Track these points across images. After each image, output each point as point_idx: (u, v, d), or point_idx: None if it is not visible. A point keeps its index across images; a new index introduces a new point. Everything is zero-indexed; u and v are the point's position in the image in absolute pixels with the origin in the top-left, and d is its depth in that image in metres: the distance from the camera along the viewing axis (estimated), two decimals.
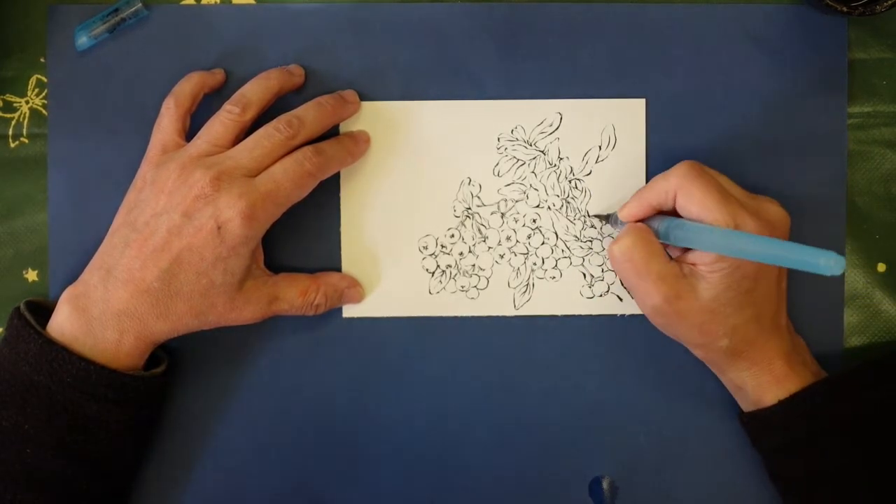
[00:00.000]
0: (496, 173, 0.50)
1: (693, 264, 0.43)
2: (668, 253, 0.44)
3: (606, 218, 0.49)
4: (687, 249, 0.44)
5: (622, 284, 0.49)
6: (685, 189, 0.43)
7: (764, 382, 0.45)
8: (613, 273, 0.50)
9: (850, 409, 0.43)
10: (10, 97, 0.50)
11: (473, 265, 0.50)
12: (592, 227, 0.50)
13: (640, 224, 0.45)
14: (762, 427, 0.46)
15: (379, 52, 0.49)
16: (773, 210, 0.44)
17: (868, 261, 0.50)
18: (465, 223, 0.50)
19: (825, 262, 0.35)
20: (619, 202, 0.49)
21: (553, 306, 0.50)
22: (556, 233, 0.50)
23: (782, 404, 0.44)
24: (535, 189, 0.50)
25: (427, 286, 0.50)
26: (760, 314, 0.44)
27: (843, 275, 0.50)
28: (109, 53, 0.49)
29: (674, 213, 0.44)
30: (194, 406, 0.49)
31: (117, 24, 0.49)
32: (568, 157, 0.50)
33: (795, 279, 0.48)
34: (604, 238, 0.50)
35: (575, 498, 0.49)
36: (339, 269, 0.49)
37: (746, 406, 0.47)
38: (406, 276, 0.50)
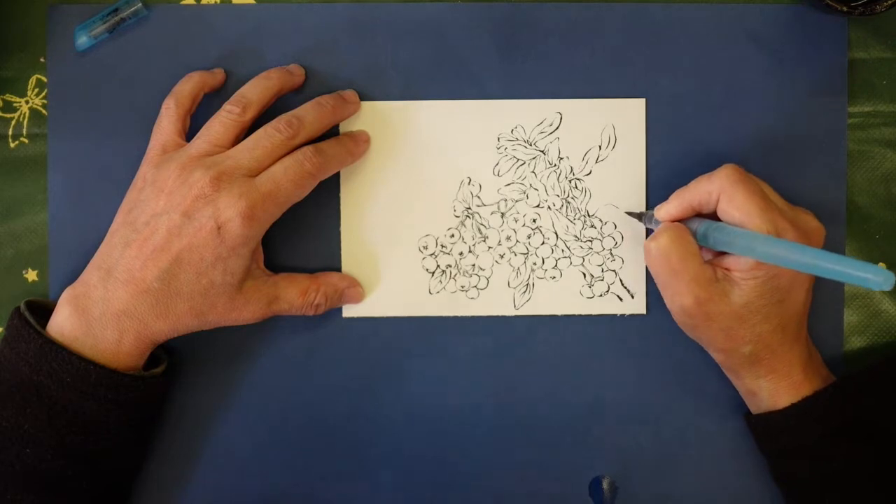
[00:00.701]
0: (496, 173, 0.50)
1: (728, 269, 0.43)
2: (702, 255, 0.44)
3: (640, 216, 0.49)
4: (722, 254, 0.44)
5: (654, 281, 0.47)
6: (728, 193, 0.42)
7: (780, 389, 0.44)
8: (614, 273, 0.50)
9: (861, 413, 0.44)
10: (10, 97, 0.50)
11: (473, 265, 0.50)
12: (592, 227, 0.50)
13: (679, 224, 0.45)
14: (770, 429, 0.45)
15: (379, 52, 0.49)
16: (811, 221, 0.44)
17: (868, 261, 0.50)
18: (465, 223, 0.50)
19: (874, 278, 0.35)
20: (618, 202, 0.49)
21: (553, 306, 0.50)
22: (556, 233, 0.50)
23: (795, 408, 0.44)
24: (535, 189, 0.50)
25: (427, 286, 0.50)
26: (786, 324, 0.44)
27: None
28: (109, 53, 0.49)
29: (712, 215, 0.44)
30: (194, 406, 0.49)
31: (117, 24, 0.49)
32: (568, 157, 0.50)
33: None
34: (603, 226, 0.50)
35: (575, 498, 0.49)
36: (339, 269, 0.49)
37: (758, 410, 0.46)
38: (406, 276, 0.50)
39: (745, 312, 0.43)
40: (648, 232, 0.49)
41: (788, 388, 0.44)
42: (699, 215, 0.45)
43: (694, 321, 0.44)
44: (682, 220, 0.45)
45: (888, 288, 0.35)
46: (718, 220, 0.44)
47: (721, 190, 0.43)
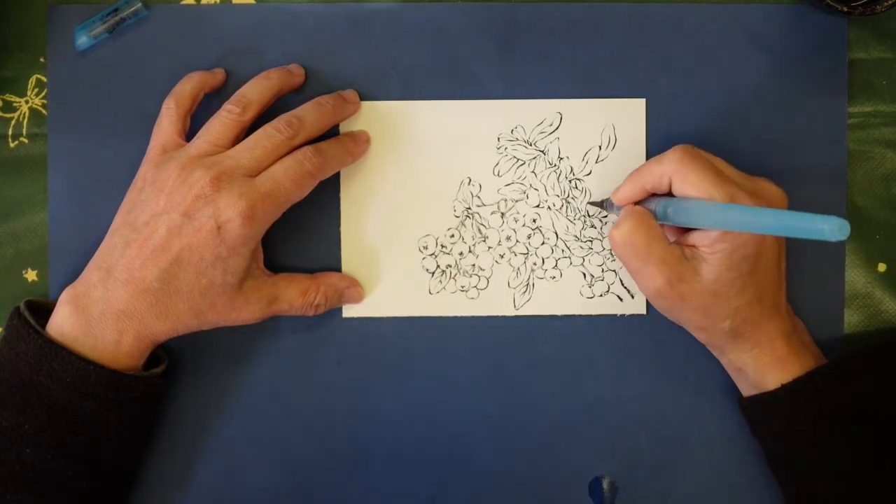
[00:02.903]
0: (496, 173, 0.50)
1: (693, 246, 0.43)
2: (667, 236, 0.44)
3: (601, 204, 0.49)
4: (686, 232, 0.44)
5: (627, 271, 0.48)
6: (681, 173, 0.43)
7: (765, 364, 0.45)
8: (614, 273, 0.50)
9: (854, 394, 0.44)
10: (10, 97, 0.50)
11: (473, 265, 0.50)
12: (592, 227, 0.50)
13: (639, 207, 0.45)
14: (763, 412, 0.45)
15: (379, 52, 0.49)
16: (770, 189, 0.44)
17: (868, 261, 0.50)
18: (465, 223, 0.50)
19: (829, 228, 0.35)
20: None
21: (553, 306, 0.50)
22: (556, 233, 0.50)
23: (785, 388, 0.44)
24: (535, 189, 0.50)
25: (427, 286, 0.50)
26: (762, 295, 0.44)
27: (843, 274, 0.50)
28: (109, 53, 0.49)
29: (668, 196, 0.44)
30: (194, 406, 0.49)
31: (117, 24, 0.49)
32: (568, 157, 0.50)
33: (796, 278, 0.48)
34: (604, 227, 0.50)
35: (575, 498, 0.49)
36: (339, 269, 0.49)
37: (747, 390, 0.47)
38: (406, 276, 0.50)
39: (718, 287, 0.43)
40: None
41: (773, 363, 0.44)
42: (656, 195, 0.45)
43: (669, 303, 0.44)
44: (641, 203, 0.45)
45: (843, 237, 0.34)
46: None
47: (673, 171, 0.43)
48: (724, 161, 0.44)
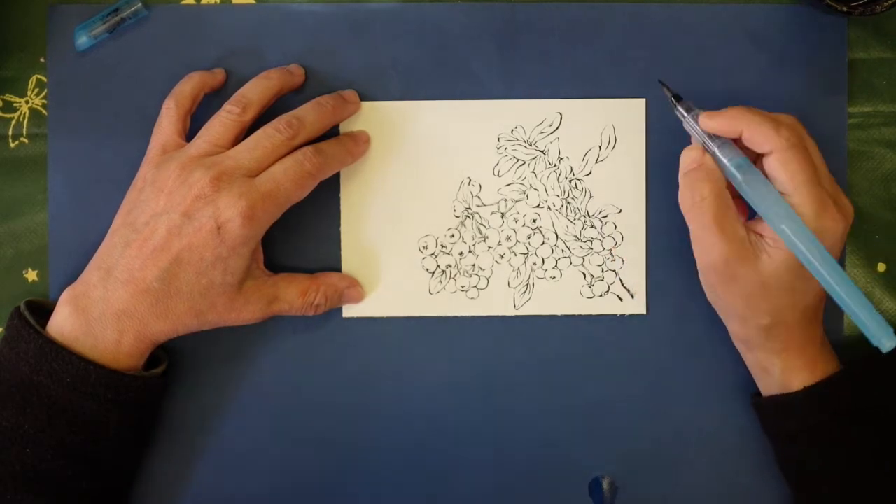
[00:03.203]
0: (496, 173, 0.50)
1: (760, 234, 0.43)
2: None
3: (676, 100, 0.45)
4: (758, 219, 0.43)
5: (688, 227, 0.45)
6: (784, 155, 0.41)
7: (794, 367, 0.44)
8: (614, 273, 0.50)
9: (872, 400, 0.44)
10: (10, 97, 0.50)
11: (473, 265, 0.50)
12: (592, 227, 0.50)
13: (714, 169, 0.43)
14: (780, 412, 0.45)
15: (379, 52, 0.49)
16: (847, 202, 0.43)
17: (868, 261, 0.50)
18: (465, 223, 0.50)
19: (887, 342, 0.36)
20: (619, 202, 0.49)
21: (553, 306, 0.50)
22: (556, 233, 0.50)
23: (808, 391, 0.44)
24: (535, 189, 0.50)
25: (427, 286, 0.50)
26: (808, 303, 0.44)
27: None
28: (109, 53, 0.49)
29: (749, 151, 0.43)
30: (194, 406, 0.49)
31: (117, 24, 0.49)
32: (568, 157, 0.50)
33: None
34: (604, 227, 0.50)
35: (575, 498, 0.49)
36: (339, 269, 0.49)
37: (768, 389, 0.46)
38: (406, 276, 0.50)
39: (771, 282, 0.42)
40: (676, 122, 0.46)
41: (802, 367, 0.44)
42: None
43: (719, 279, 0.43)
44: (717, 141, 0.43)
45: (887, 350, 0.36)
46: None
47: (778, 148, 0.41)
48: (822, 157, 0.43)
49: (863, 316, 0.37)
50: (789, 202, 0.41)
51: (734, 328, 0.46)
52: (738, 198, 0.44)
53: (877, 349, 0.44)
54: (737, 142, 0.43)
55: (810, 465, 0.45)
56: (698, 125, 0.44)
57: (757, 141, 0.42)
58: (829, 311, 0.50)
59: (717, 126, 0.43)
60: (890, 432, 0.44)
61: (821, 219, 0.41)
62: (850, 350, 0.50)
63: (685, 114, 0.45)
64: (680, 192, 0.44)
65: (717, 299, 0.45)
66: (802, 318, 0.44)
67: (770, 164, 0.42)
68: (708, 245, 0.43)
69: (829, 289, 0.39)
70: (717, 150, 0.43)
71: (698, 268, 0.45)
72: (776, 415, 0.46)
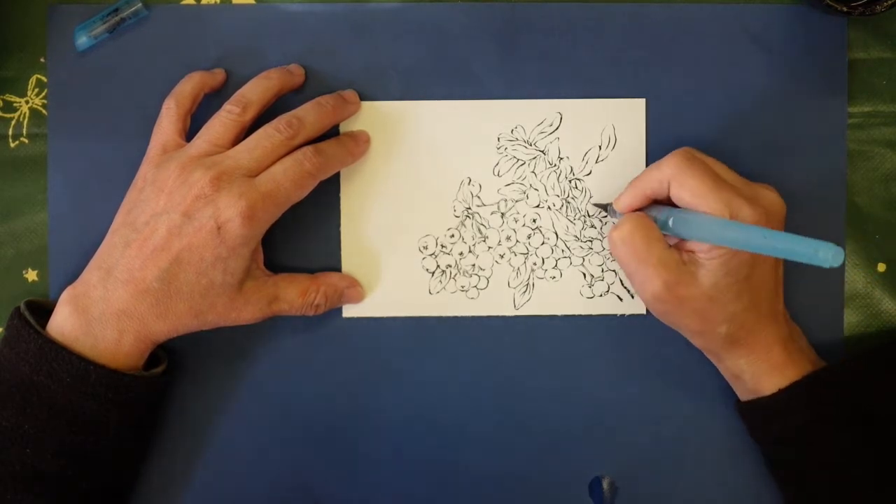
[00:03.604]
0: (496, 173, 0.50)
1: (691, 251, 0.43)
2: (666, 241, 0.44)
3: (605, 207, 0.49)
4: (683, 241, 0.44)
5: (624, 273, 0.48)
6: (678, 178, 0.43)
7: (762, 370, 0.45)
8: (614, 273, 0.50)
9: (851, 398, 0.44)
10: (10, 97, 0.50)
11: (473, 265, 0.50)
12: (592, 227, 0.50)
13: (639, 212, 0.45)
14: (760, 416, 0.46)
15: (379, 52, 0.49)
16: (770, 197, 0.44)
17: (868, 261, 0.50)
18: (465, 223, 0.50)
19: (824, 254, 0.36)
20: None
21: (553, 306, 0.50)
22: (556, 233, 0.50)
23: (782, 392, 0.44)
24: (535, 189, 0.50)
25: (427, 286, 0.50)
26: (758, 301, 0.44)
27: (843, 274, 0.50)
28: (109, 53, 0.49)
29: (669, 201, 0.44)
30: (194, 406, 0.49)
31: (117, 24, 0.49)
32: (568, 157, 0.50)
33: (795, 278, 0.48)
34: (604, 227, 0.50)
35: (575, 498, 0.49)
36: (339, 269, 0.49)
37: (744, 395, 0.47)
38: (406, 276, 0.50)
39: (715, 292, 0.43)
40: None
41: (770, 370, 0.44)
42: (657, 202, 0.45)
43: (666, 307, 0.44)
44: (644, 209, 0.45)
45: (837, 264, 0.36)
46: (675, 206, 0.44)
47: (671, 176, 0.43)
48: (724, 165, 0.44)
49: (800, 248, 0.37)
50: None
51: (698, 343, 0.46)
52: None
53: (869, 350, 0.44)
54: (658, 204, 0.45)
55: (796, 467, 0.45)
56: (616, 210, 0.46)
57: (656, 187, 0.44)
58: (827, 311, 0.50)
59: (625, 201, 0.45)
60: (872, 428, 0.43)
61: (735, 217, 0.41)
62: (851, 350, 0.50)
63: (605, 212, 0.48)
64: (609, 235, 0.44)
65: (672, 324, 0.46)
66: (759, 318, 0.44)
67: (673, 194, 0.43)
68: (645, 278, 0.43)
69: (765, 249, 0.38)
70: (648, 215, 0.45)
71: (644, 301, 0.45)
72: (756, 419, 0.46)
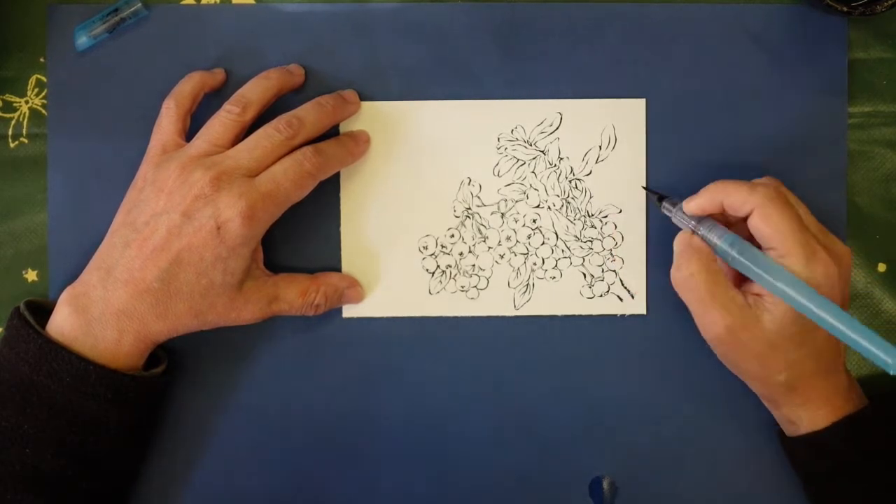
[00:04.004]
0: (496, 173, 0.50)
1: (758, 295, 0.43)
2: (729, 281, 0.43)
3: (659, 198, 0.47)
4: (753, 282, 0.43)
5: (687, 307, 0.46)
6: (764, 210, 0.42)
7: (819, 416, 0.44)
8: (614, 273, 0.50)
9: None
10: (9, 97, 0.50)
11: (473, 265, 0.50)
12: (592, 227, 0.50)
13: (703, 246, 0.43)
14: (812, 452, 0.45)
15: (379, 52, 0.49)
16: (839, 247, 0.43)
17: (868, 261, 0.50)
18: (465, 223, 0.50)
19: (894, 362, 0.36)
20: (619, 202, 0.49)
21: (553, 306, 0.50)
22: (556, 233, 0.50)
23: (837, 427, 0.43)
24: (535, 189, 0.50)
25: (427, 286, 0.50)
26: (821, 351, 0.43)
27: None
28: (109, 53, 0.49)
29: (738, 222, 0.44)
30: (194, 406, 0.49)
31: (117, 24, 0.49)
32: (568, 157, 0.50)
33: None
34: (604, 227, 0.50)
35: (575, 498, 0.49)
36: (339, 269, 0.49)
37: (792, 431, 0.46)
38: (406, 276, 0.50)
39: (778, 339, 0.42)
40: (662, 217, 0.48)
41: (828, 416, 0.44)
42: (713, 215, 0.44)
43: (727, 349, 0.43)
44: (699, 220, 0.44)
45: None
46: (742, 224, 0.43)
47: (758, 204, 0.42)
48: (806, 207, 0.44)
49: (871, 347, 0.37)
50: (777, 254, 0.42)
51: (756, 388, 0.46)
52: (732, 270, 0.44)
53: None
54: (723, 216, 0.44)
55: (848, 502, 0.44)
56: (684, 213, 0.44)
57: (736, 205, 0.43)
58: None
59: (700, 204, 0.44)
60: None
61: (811, 264, 0.41)
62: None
63: (671, 208, 0.46)
64: (672, 274, 0.44)
65: (731, 366, 0.45)
66: (820, 368, 0.43)
67: (753, 222, 0.42)
68: (709, 320, 0.43)
69: (834, 331, 0.38)
70: (706, 234, 0.43)
71: (706, 340, 0.44)
72: (807, 455, 0.45)
